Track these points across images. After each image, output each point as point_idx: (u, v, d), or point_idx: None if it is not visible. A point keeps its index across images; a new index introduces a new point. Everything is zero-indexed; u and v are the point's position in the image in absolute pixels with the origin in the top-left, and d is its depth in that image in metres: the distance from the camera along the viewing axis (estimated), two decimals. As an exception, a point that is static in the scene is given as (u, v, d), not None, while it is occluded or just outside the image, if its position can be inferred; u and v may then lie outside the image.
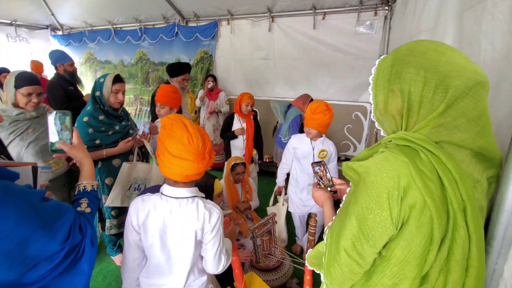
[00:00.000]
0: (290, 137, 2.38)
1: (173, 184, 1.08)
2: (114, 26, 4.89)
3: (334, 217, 0.81)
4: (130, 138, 1.93)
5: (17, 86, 1.57)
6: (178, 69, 2.90)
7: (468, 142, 0.60)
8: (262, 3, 3.65)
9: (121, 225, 2.10)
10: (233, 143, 2.94)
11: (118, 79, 1.87)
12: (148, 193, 1.12)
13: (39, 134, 1.67)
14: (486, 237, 0.67)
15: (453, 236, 0.59)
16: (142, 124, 2.01)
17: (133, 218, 1.08)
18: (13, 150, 1.58)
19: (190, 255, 1.09)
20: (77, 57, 5.60)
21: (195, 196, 1.10)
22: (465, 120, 0.58)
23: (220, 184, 1.87)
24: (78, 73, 5.52)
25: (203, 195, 1.16)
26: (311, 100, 3.48)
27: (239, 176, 2.46)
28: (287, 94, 4.07)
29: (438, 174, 0.58)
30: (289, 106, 3.31)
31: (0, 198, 0.63)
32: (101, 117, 1.86)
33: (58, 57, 2.91)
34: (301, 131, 3.14)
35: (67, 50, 5.62)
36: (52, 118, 1.00)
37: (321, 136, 2.20)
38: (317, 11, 3.47)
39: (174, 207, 1.06)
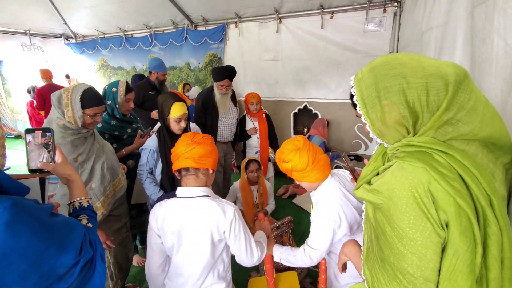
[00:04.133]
0: None
1: (185, 184, 1.15)
2: (126, 33, 5.01)
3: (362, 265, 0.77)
4: (141, 133, 2.03)
5: (84, 106, 1.41)
6: (216, 74, 2.69)
7: (476, 132, 0.60)
8: (269, 5, 3.67)
9: (140, 224, 2.17)
10: (248, 143, 3.02)
11: (129, 89, 1.94)
12: (165, 199, 1.18)
13: (99, 152, 1.56)
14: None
15: (486, 233, 0.57)
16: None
17: (152, 223, 1.15)
18: (83, 174, 1.44)
19: (206, 256, 1.11)
20: (91, 64, 5.76)
21: (207, 196, 1.13)
22: (464, 112, 0.59)
23: (180, 109, 1.78)
24: (94, 80, 5.64)
25: (218, 196, 1.19)
26: (328, 123, 3.61)
27: (253, 173, 2.46)
28: (296, 94, 4.07)
29: (458, 172, 0.58)
30: (309, 137, 3.48)
31: (12, 215, 0.62)
32: (113, 122, 1.93)
33: (155, 66, 3.21)
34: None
35: (82, 58, 5.79)
36: (31, 137, 0.89)
37: (315, 188, 1.30)
38: (324, 10, 3.47)
39: (187, 207, 1.10)
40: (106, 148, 1.60)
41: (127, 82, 1.96)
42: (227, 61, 4.35)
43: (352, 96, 0.72)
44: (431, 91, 0.59)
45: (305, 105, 4.04)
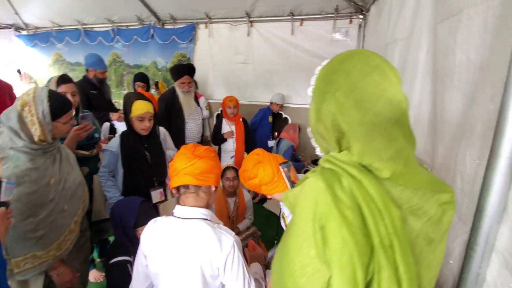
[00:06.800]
0: None
1: (183, 203, 1.02)
2: (84, 27, 4.64)
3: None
4: (81, 126, 1.69)
5: (56, 116, 1.22)
6: (174, 72, 2.63)
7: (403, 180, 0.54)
8: (240, 8, 3.65)
9: (98, 233, 1.96)
10: (223, 147, 2.96)
11: (63, 81, 1.74)
12: (163, 216, 1.06)
13: (67, 167, 1.38)
14: (469, 243, 0.70)
15: (378, 277, 0.49)
16: (102, 130, 2.02)
17: (142, 242, 1.02)
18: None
19: None
20: (45, 59, 5.25)
21: (206, 219, 1.00)
22: (394, 149, 0.53)
23: (142, 107, 1.69)
24: (48, 76, 5.15)
25: (220, 222, 1.05)
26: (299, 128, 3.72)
27: (229, 182, 2.23)
28: (267, 98, 4.07)
29: (358, 201, 0.51)
30: (279, 140, 3.55)
31: None
32: None
33: (92, 63, 2.85)
34: (295, 161, 3.39)
35: (34, 51, 5.25)
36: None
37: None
38: (294, 17, 3.53)
39: (180, 230, 0.97)
40: (70, 159, 1.41)
41: (63, 74, 1.79)
42: (196, 62, 4.23)
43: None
44: (342, 110, 0.54)
45: (275, 110, 4.07)
